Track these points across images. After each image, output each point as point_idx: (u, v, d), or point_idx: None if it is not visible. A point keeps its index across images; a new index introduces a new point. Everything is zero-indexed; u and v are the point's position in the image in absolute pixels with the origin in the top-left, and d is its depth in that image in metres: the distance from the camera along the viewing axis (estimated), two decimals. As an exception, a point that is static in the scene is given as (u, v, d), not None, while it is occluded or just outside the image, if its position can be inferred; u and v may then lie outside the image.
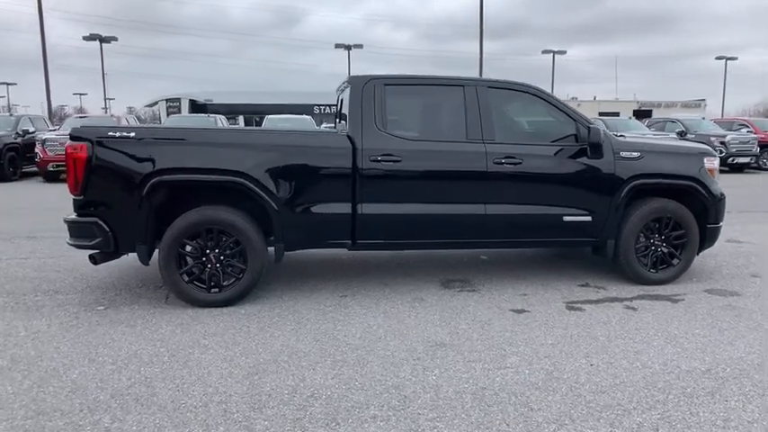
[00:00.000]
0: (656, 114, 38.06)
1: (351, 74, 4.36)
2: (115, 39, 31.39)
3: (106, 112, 32.37)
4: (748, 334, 3.58)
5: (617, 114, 30.02)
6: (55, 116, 24.74)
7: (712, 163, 4.73)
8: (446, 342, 3.43)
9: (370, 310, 4.01)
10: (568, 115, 4.49)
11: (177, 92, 46.34)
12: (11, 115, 16.34)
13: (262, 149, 3.99)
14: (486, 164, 4.24)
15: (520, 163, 4.28)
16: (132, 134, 3.83)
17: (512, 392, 2.78)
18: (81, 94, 75.72)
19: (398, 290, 4.51)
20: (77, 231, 3.90)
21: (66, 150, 3.83)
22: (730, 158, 15.59)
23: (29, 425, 2.47)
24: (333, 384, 2.86)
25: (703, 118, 19.91)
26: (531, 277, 4.88)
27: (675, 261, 4.69)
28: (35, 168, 13.73)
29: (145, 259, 3.99)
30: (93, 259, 4.01)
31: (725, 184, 4.98)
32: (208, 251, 3.98)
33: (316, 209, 4.08)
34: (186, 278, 3.98)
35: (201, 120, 15.67)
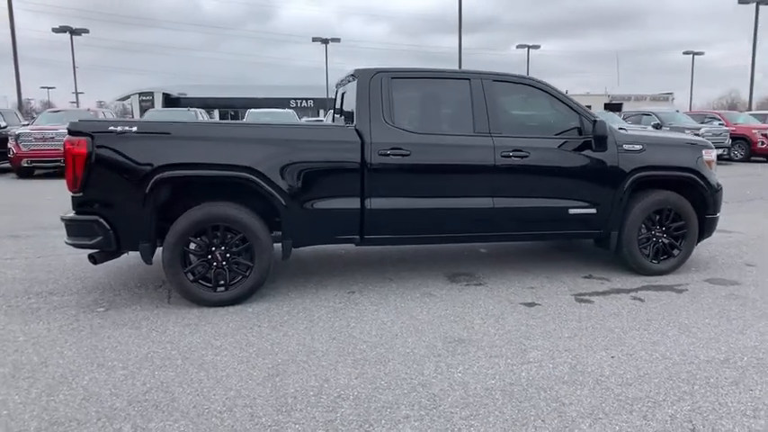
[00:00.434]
0: (627, 107, 38.85)
1: (356, 67, 4.27)
2: (86, 31, 30.37)
3: (78, 105, 31.31)
4: (756, 323, 3.65)
5: (589, 108, 30.49)
6: (21, 110, 23.81)
7: (710, 155, 4.81)
8: (464, 338, 3.40)
9: (381, 307, 3.95)
10: (572, 108, 4.50)
11: (150, 86, 45.24)
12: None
13: (269, 144, 3.87)
14: (494, 157, 4.22)
15: (527, 156, 4.27)
16: (134, 128, 3.67)
17: (540, 387, 2.77)
18: (48, 88, 72.76)
19: (405, 285, 4.46)
20: (77, 230, 3.73)
21: (64, 146, 3.64)
22: (705, 150, 15.96)
23: (45, 436, 2.34)
24: (358, 384, 2.80)
25: (677, 111, 20.38)
26: (535, 270, 4.90)
27: (676, 252, 4.76)
28: (8, 165, 13.18)
29: (148, 258, 3.84)
30: (93, 259, 3.84)
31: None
32: (213, 249, 3.85)
33: (324, 204, 3.99)
34: (191, 277, 3.85)
35: (181, 113, 15.27)
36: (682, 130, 15.83)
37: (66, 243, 3.82)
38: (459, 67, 23.42)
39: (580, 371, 2.96)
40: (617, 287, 4.43)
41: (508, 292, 4.28)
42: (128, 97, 45.09)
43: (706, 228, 4.81)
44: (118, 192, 3.69)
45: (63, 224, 3.84)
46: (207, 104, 38.67)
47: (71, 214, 3.76)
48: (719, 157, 16.64)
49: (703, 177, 4.67)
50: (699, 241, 4.87)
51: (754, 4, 26.55)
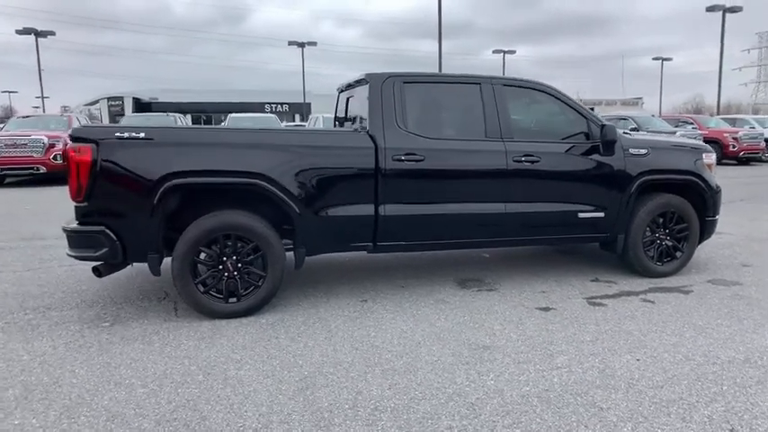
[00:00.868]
0: (598, 112, 39.80)
1: (368, 72, 4.21)
2: (52, 33, 29.43)
3: (44, 111, 30.31)
4: (766, 322, 3.73)
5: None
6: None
7: (710, 158, 4.92)
8: (488, 344, 3.37)
9: (398, 314, 3.90)
10: (579, 113, 4.54)
11: (119, 90, 44.20)
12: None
13: (283, 150, 3.78)
14: (507, 162, 4.22)
15: (538, 161, 4.29)
16: (142, 134, 3.53)
17: (575, 393, 2.75)
18: (10, 92, 70.32)
19: (417, 291, 4.42)
20: (81, 241, 3.56)
21: (68, 153, 3.48)
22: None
23: (74, 462, 2.21)
24: (392, 395, 2.74)
25: (653, 115, 20.93)
26: (542, 274, 4.91)
27: (678, 254, 4.84)
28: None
29: (156, 269, 3.70)
30: (98, 271, 3.68)
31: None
32: (225, 258, 3.73)
33: (338, 211, 3.91)
34: (202, 288, 3.73)
35: (159, 119, 14.91)
36: (658, 134, 16.27)
37: (69, 255, 3.65)
38: (440, 70, 23.57)
39: (610, 375, 2.96)
40: (625, 290, 4.48)
41: (521, 297, 4.27)
42: (96, 102, 43.94)
43: (706, 230, 4.91)
44: (125, 201, 3.55)
45: (65, 235, 3.66)
46: (180, 109, 38.07)
47: (74, 225, 3.59)
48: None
49: (705, 180, 4.77)
50: (699, 243, 4.97)
51: (721, 12, 27.61)
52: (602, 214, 4.51)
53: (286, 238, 4.03)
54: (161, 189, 3.52)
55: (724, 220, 7.46)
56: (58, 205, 9.49)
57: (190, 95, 45.82)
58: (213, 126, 6.84)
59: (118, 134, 3.50)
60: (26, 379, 2.92)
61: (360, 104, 4.46)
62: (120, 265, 3.77)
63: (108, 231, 3.52)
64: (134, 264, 3.96)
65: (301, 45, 36.71)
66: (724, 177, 14.12)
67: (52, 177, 12.00)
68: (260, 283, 3.81)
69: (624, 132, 4.92)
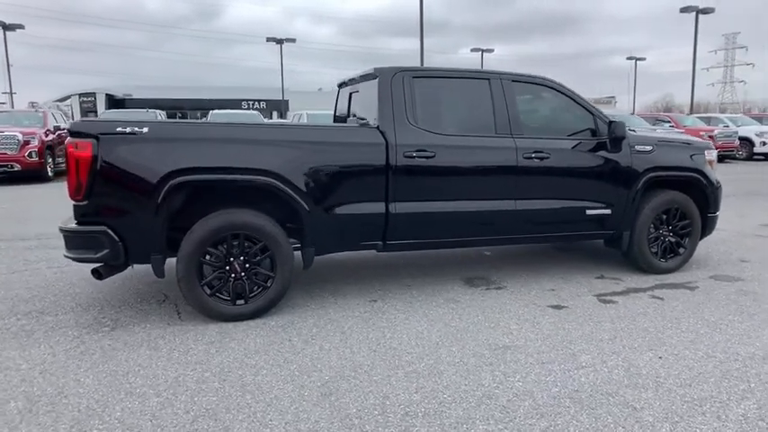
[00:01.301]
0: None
1: (376, 66, 4.10)
2: (21, 26, 28.32)
3: (12, 106, 29.21)
4: (776, 317, 3.77)
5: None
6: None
7: (711, 155, 4.96)
8: (508, 344, 3.31)
9: (410, 315, 3.80)
10: (587, 109, 4.52)
11: (91, 86, 42.88)
12: None
13: (292, 146, 3.64)
14: (517, 158, 4.16)
15: (548, 157, 4.24)
16: (145, 129, 3.35)
17: (606, 393, 2.71)
18: (-28, 88, 67.62)
19: (425, 291, 4.33)
20: (80, 242, 3.37)
21: (66, 149, 3.27)
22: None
23: (93, 480, 2.05)
24: (421, 399, 2.64)
25: (632, 113, 21.29)
26: (547, 271, 4.89)
27: (681, 250, 4.87)
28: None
29: (160, 271, 3.53)
30: (98, 273, 3.49)
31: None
32: (232, 259, 3.58)
33: (349, 209, 3.80)
34: (208, 290, 3.57)
35: (141, 115, 14.46)
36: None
37: (67, 257, 3.44)
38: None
39: (636, 373, 2.92)
40: (632, 286, 4.48)
41: (531, 296, 4.23)
42: (67, 98, 42.57)
43: (708, 226, 4.95)
44: (128, 199, 3.36)
45: (62, 235, 3.46)
46: (157, 105, 37.24)
47: (72, 225, 3.39)
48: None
49: (706, 177, 4.81)
50: (700, 239, 5.01)
51: (694, 13, 28.30)
52: (609, 211, 4.50)
53: (290, 237, 3.89)
54: (166, 187, 3.35)
55: (714, 216, 7.63)
56: (36, 204, 9.12)
57: (165, 92, 44.76)
58: (220, 122, 6.50)
59: (120, 129, 3.32)
60: (28, 390, 2.73)
61: (365, 100, 4.34)
62: (122, 266, 3.58)
63: (109, 231, 3.33)
64: (134, 265, 3.78)
65: (280, 42, 36.23)
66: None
67: (28, 175, 11.55)
68: (268, 284, 3.67)
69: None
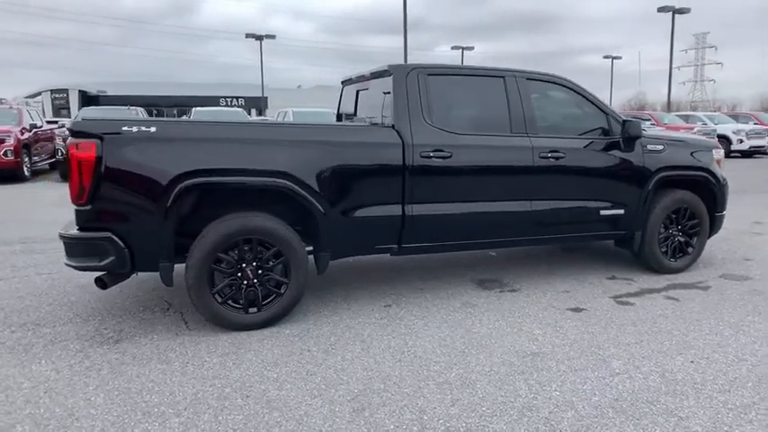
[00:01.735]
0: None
1: (390, 63, 3.95)
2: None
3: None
4: (794, 317, 3.76)
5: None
6: None
7: (719, 154, 4.96)
8: (536, 351, 3.21)
9: (429, 321, 3.68)
10: (600, 108, 4.46)
11: (63, 82, 41.60)
12: None
13: (307, 146, 3.48)
14: (533, 158, 4.07)
15: (563, 157, 4.16)
16: (153, 129, 3.15)
17: (646, 401, 2.63)
18: (-66, 83, 65.02)
19: (438, 294, 4.22)
20: (83, 249, 3.15)
21: (68, 150, 3.05)
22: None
23: None
24: (458, 413, 2.52)
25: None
26: (558, 272, 4.82)
27: (690, 249, 4.86)
28: None
29: (169, 279, 3.33)
30: (102, 282, 3.27)
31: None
32: (244, 265, 3.40)
33: (365, 212, 3.65)
34: (219, 298, 3.38)
35: (122, 112, 13.97)
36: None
37: (68, 265, 3.22)
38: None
39: (672, 379, 2.86)
40: (645, 287, 4.44)
41: (547, 298, 4.15)
42: (38, 94, 41.25)
43: (715, 225, 4.95)
44: (134, 203, 3.16)
45: (63, 242, 3.23)
46: (131, 102, 36.32)
47: (74, 231, 3.17)
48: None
49: (715, 176, 4.80)
50: (708, 238, 5.01)
51: (671, 13, 28.83)
52: (622, 211, 4.45)
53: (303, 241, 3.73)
54: (176, 190, 3.15)
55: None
56: (15, 205, 8.71)
57: (140, 88, 43.76)
58: (229, 121, 6.20)
59: (126, 128, 3.11)
60: (34, 412, 2.52)
61: (376, 98, 4.19)
62: (127, 275, 3.37)
63: (115, 238, 3.12)
64: (138, 273, 3.57)
65: (259, 38, 35.64)
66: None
67: (4, 175, 11.06)
68: (282, 291, 3.50)
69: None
